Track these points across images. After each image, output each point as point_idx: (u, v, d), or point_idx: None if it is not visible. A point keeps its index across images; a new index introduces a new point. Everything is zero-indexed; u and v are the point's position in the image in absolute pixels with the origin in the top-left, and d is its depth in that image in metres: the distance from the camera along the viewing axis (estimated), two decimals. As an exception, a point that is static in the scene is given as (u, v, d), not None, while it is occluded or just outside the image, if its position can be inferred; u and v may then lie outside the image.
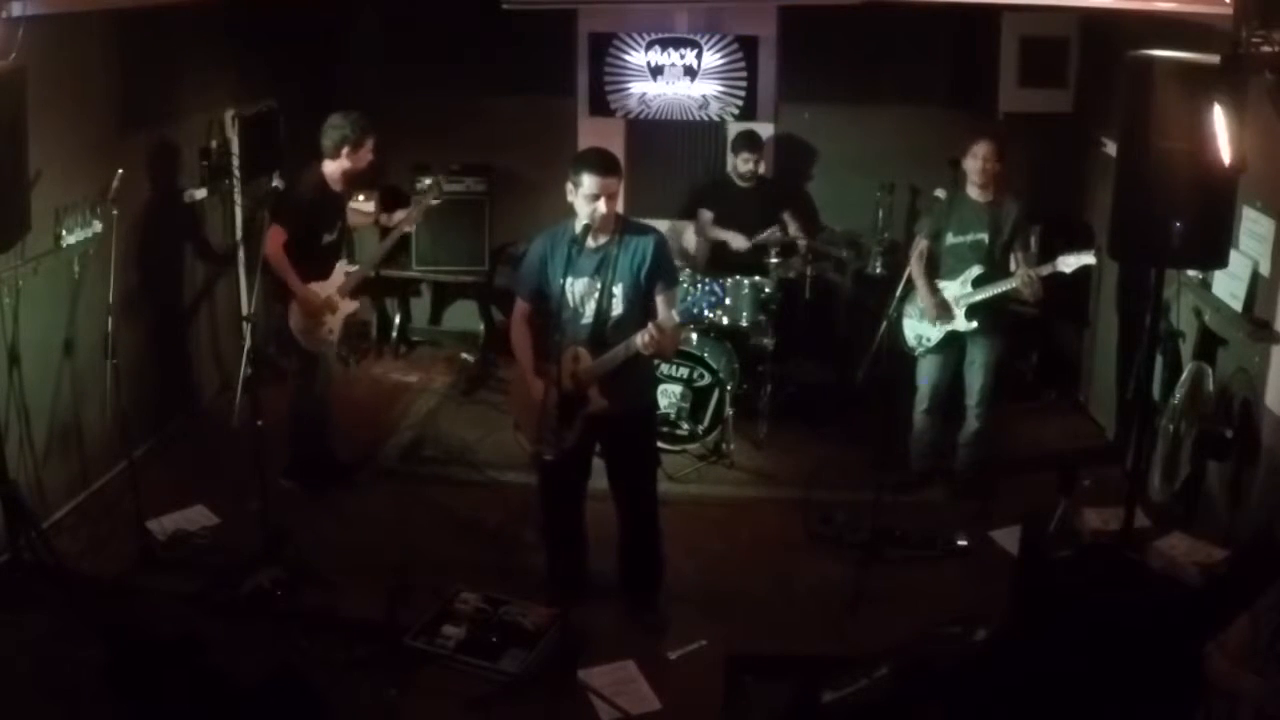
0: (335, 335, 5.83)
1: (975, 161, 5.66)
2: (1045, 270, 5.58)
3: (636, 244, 4.57)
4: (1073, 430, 6.91)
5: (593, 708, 4.38)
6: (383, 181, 7.52)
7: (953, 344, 5.85)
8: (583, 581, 5.00)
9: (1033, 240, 5.99)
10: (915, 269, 5.78)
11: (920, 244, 5.86)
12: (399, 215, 6.24)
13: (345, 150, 5.56)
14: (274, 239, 5.52)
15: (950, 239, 5.76)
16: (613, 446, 4.84)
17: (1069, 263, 5.53)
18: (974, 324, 5.72)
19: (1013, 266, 5.74)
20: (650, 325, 4.38)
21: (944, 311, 5.73)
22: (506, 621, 4.80)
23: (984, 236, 5.69)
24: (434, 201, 6.36)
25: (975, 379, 5.89)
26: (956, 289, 5.73)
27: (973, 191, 5.73)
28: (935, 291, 5.76)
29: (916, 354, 5.92)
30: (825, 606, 5.03)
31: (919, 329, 5.87)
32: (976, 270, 5.69)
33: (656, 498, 4.99)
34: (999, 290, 5.67)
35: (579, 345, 4.59)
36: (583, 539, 5.02)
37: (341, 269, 5.80)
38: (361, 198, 7.34)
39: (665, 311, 4.51)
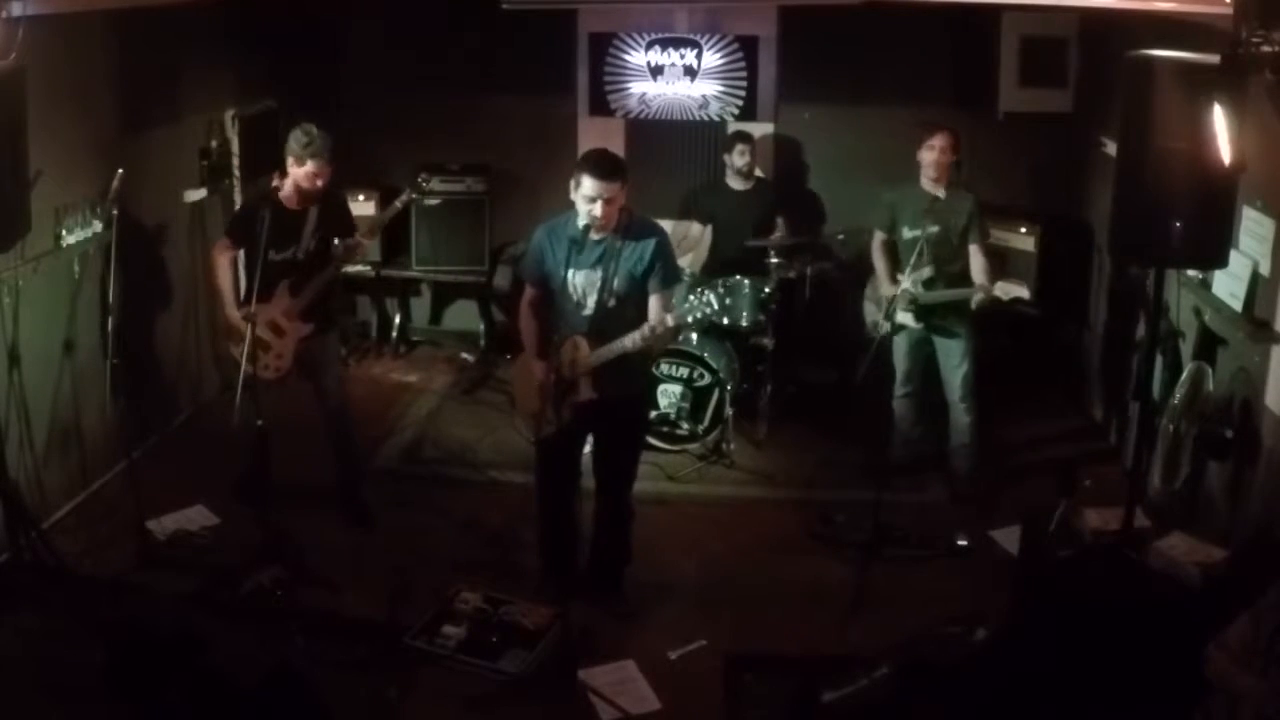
0: (285, 361, 5.42)
1: (931, 154, 5.74)
2: (989, 292, 5.54)
3: (641, 241, 4.60)
4: (1073, 430, 6.90)
5: (593, 708, 4.38)
6: (384, 181, 7.52)
7: (924, 334, 5.88)
8: (575, 571, 4.99)
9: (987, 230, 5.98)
10: (878, 262, 5.91)
11: (878, 237, 5.95)
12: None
13: (290, 161, 5.27)
14: (216, 249, 5.49)
15: (906, 233, 5.77)
16: (601, 429, 4.90)
17: (1008, 290, 5.53)
18: (920, 325, 5.75)
19: (972, 258, 5.76)
20: (645, 325, 4.47)
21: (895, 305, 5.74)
22: (506, 621, 4.80)
23: (936, 230, 5.68)
24: (399, 207, 5.80)
25: (953, 376, 5.87)
26: (908, 286, 5.70)
27: (926, 185, 5.79)
28: (893, 283, 5.79)
29: (878, 334, 5.71)
30: (825, 606, 5.02)
31: (875, 315, 5.92)
32: (927, 272, 5.71)
33: (632, 484, 4.99)
34: (947, 297, 5.69)
35: (579, 335, 4.64)
36: (574, 528, 5.02)
37: (284, 289, 5.35)
38: (361, 197, 7.35)
39: (658, 310, 4.56)
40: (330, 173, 5.31)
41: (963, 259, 5.77)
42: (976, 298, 5.54)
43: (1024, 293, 5.59)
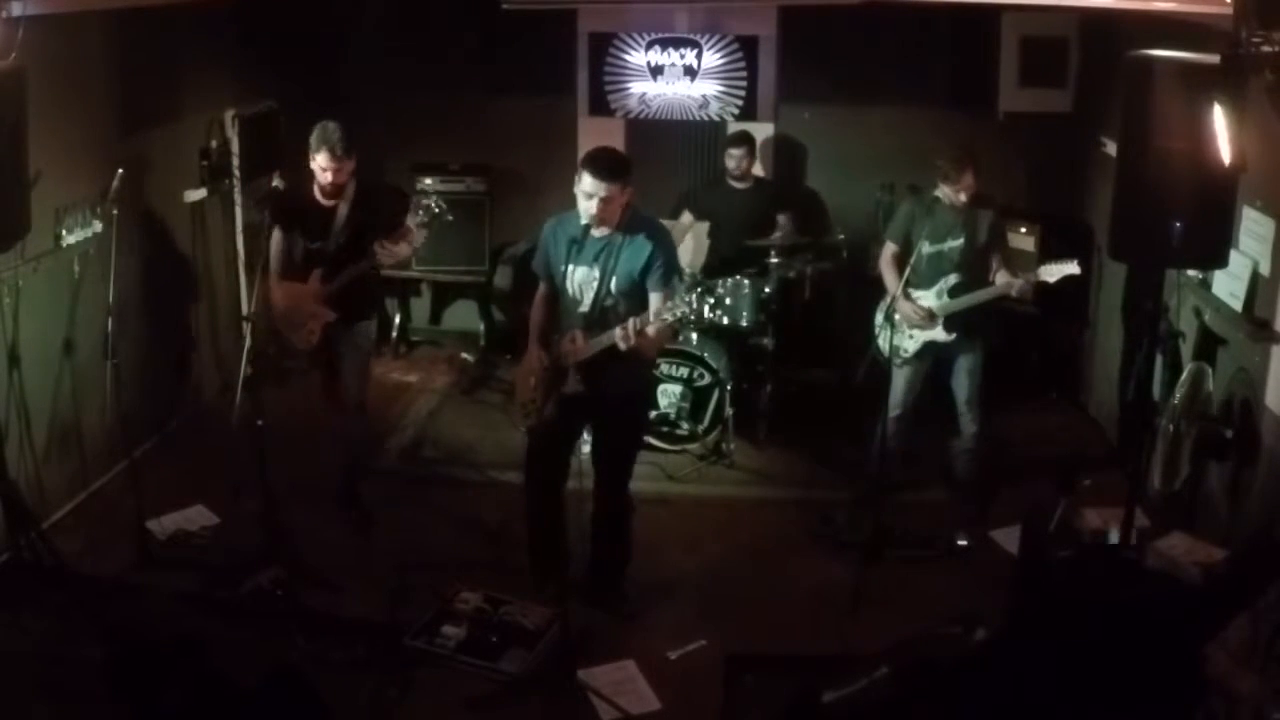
0: (315, 337, 5.47)
1: (960, 197, 5.50)
2: (1030, 279, 5.48)
3: (641, 239, 4.59)
4: (1073, 430, 6.90)
5: (593, 708, 4.39)
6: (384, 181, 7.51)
7: (930, 353, 5.73)
8: (561, 571, 4.93)
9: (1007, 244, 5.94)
10: (889, 277, 5.70)
11: (890, 249, 5.75)
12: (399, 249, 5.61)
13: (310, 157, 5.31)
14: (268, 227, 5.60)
15: (927, 247, 5.56)
16: (597, 425, 4.93)
17: (1052, 272, 5.43)
18: (953, 335, 5.63)
19: (993, 270, 5.66)
20: (630, 321, 4.43)
21: (927, 319, 5.60)
22: (506, 621, 4.81)
23: (960, 243, 5.58)
24: (427, 218, 5.61)
25: (962, 386, 5.77)
26: (933, 300, 5.61)
27: (947, 197, 5.57)
28: (909, 298, 5.61)
29: (894, 365, 5.67)
30: (825, 606, 5.03)
31: (895, 339, 5.65)
32: (953, 279, 5.60)
33: (627, 481, 4.98)
34: (978, 299, 5.58)
35: (578, 330, 4.65)
36: (560, 524, 5.01)
37: (316, 276, 5.39)
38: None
39: (655, 309, 4.52)
40: (350, 168, 5.27)
41: (985, 272, 5.67)
42: (1016, 286, 5.46)
43: (1074, 269, 5.46)
